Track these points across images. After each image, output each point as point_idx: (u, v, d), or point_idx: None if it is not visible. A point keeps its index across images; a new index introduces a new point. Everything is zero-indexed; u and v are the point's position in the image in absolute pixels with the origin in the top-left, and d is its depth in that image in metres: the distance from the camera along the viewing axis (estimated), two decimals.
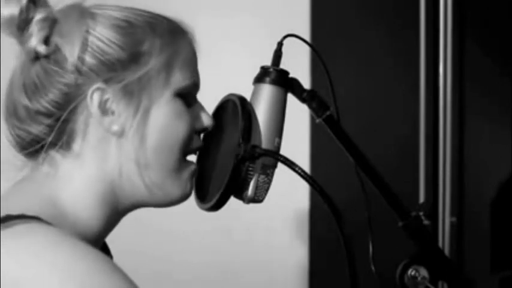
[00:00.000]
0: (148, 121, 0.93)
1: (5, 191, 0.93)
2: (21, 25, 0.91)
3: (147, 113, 0.93)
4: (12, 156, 0.95)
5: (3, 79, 0.96)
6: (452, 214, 1.98)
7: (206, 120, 1.01)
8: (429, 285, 1.02)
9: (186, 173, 0.98)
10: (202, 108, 1.01)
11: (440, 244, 1.97)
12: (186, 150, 0.98)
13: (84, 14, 0.93)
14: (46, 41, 0.91)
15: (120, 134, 0.92)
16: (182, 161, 0.97)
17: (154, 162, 0.94)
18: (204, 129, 1.01)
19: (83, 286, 0.78)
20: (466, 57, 1.99)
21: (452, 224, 1.98)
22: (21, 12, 0.90)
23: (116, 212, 0.95)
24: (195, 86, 0.99)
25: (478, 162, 2.01)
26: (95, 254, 0.82)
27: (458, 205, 1.99)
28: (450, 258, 1.11)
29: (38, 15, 0.91)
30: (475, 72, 1.99)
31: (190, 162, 1.00)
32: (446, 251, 1.96)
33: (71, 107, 0.91)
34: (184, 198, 0.99)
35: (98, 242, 0.95)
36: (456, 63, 1.98)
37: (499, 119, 2.00)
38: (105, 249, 1.05)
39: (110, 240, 1.03)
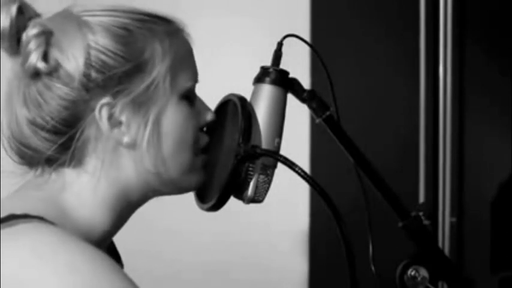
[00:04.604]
0: (160, 129, 0.93)
1: (7, 195, 0.92)
2: (13, 38, 0.89)
3: (157, 121, 0.93)
4: (12, 165, 0.94)
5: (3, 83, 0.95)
6: (452, 214, 1.98)
7: (208, 115, 1.01)
8: (429, 285, 1.02)
9: (199, 164, 0.99)
10: (202, 102, 1.01)
11: (440, 244, 1.97)
12: (196, 148, 0.98)
13: (80, 25, 0.91)
14: (45, 56, 0.89)
15: (133, 145, 0.92)
16: (194, 157, 0.98)
17: (171, 165, 0.94)
18: (207, 124, 1.01)
19: (84, 286, 0.78)
20: (466, 57, 1.99)
21: (452, 224, 1.98)
22: (11, 24, 0.88)
23: (125, 211, 0.96)
24: (196, 82, 1.00)
25: (478, 162, 2.01)
26: (97, 254, 0.82)
27: (458, 205, 1.99)
28: (450, 258, 1.11)
29: (32, 30, 0.89)
30: (475, 72, 1.99)
31: (200, 154, 1.00)
32: (446, 251, 1.96)
33: (80, 125, 0.90)
34: (199, 185, 1.01)
35: (105, 241, 0.95)
36: (456, 63, 1.98)
37: (499, 119, 2.00)
38: (112, 249, 1.05)
39: None
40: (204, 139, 1.00)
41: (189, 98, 0.97)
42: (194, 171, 0.99)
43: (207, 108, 1.02)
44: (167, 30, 0.96)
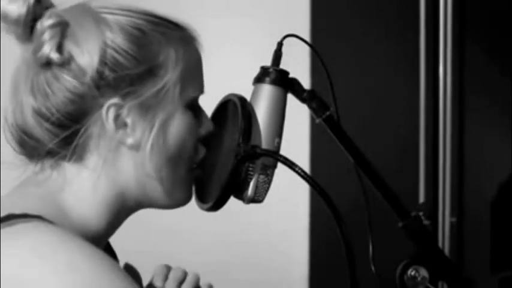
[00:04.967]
0: (165, 135, 0.92)
1: (7, 192, 0.92)
2: (27, 25, 0.89)
3: (163, 127, 0.92)
4: (12, 158, 0.94)
5: (3, 79, 0.95)
6: (452, 214, 1.98)
7: (208, 126, 1.00)
8: (429, 285, 1.02)
9: (192, 179, 0.99)
10: (205, 115, 1.01)
11: (440, 244, 1.97)
12: (194, 159, 0.98)
13: (98, 21, 0.91)
14: (59, 48, 0.89)
15: (136, 148, 0.91)
16: (190, 170, 0.98)
17: (169, 173, 0.94)
18: (206, 135, 1.01)
19: (84, 286, 0.78)
20: (466, 57, 1.99)
21: (452, 224, 1.98)
22: (28, 12, 0.88)
23: (121, 214, 0.95)
24: (201, 93, 0.99)
25: (478, 162, 2.01)
26: (97, 253, 0.82)
27: (458, 205, 1.99)
28: (450, 258, 1.11)
29: (49, 21, 0.89)
30: (475, 72, 1.99)
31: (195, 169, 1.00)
32: (446, 251, 1.96)
33: (85, 121, 0.89)
34: (188, 201, 1.00)
35: (101, 241, 0.95)
36: (456, 63, 1.98)
37: (499, 119, 2.00)
38: (108, 249, 1.05)
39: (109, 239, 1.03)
40: (202, 152, 1.00)
41: (194, 108, 0.97)
42: (188, 184, 0.98)
43: (208, 120, 1.01)
44: (182, 37, 0.95)
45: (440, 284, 1.10)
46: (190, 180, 0.99)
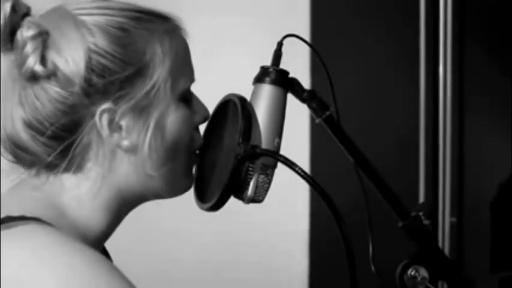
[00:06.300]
0: (161, 133, 0.92)
1: (3, 194, 0.91)
2: (6, 37, 0.86)
3: (158, 125, 0.91)
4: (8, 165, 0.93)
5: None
6: (452, 214, 1.98)
7: (203, 113, 1.00)
8: (429, 285, 1.02)
9: (191, 166, 1.00)
10: (198, 100, 1.00)
11: (440, 244, 1.97)
12: (191, 149, 0.98)
13: (77, 25, 0.88)
14: (43, 60, 0.86)
15: (133, 150, 0.91)
16: (188, 159, 0.98)
17: (169, 168, 0.93)
18: (203, 122, 1.01)
19: (82, 287, 0.78)
20: (466, 57, 1.99)
21: (452, 224, 1.98)
22: (5, 23, 0.86)
23: (121, 212, 0.95)
24: (193, 82, 0.99)
25: (478, 162, 2.01)
26: (94, 255, 0.82)
27: (458, 205, 1.99)
28: (450, 258, 1.11)
29: (29, 31, 0.86)
30: (475, 72, 1.99)
31: (193, 156, 1.00)
32: (446, 251, 1.95)
33: (80, 131, 0.88)
34: (190, 188, 1.01)
35: (100, 243, 0.95)
36: (456, 63, 1.98)
37: (499, 119, 2.00)
38: (104, 252, 1.04)
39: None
40: (199, 140, 1.00)
41: (186, 98, 0.96)
42: (188, 173, 0.99)
43: (203, 106, 1.00)
44: (166, 28, 0.94)
45: (440, 284, 1.10)
46: (190, 168, 0.99)
